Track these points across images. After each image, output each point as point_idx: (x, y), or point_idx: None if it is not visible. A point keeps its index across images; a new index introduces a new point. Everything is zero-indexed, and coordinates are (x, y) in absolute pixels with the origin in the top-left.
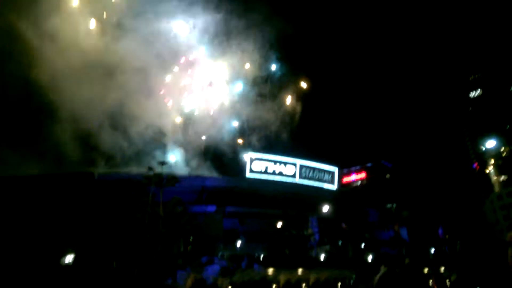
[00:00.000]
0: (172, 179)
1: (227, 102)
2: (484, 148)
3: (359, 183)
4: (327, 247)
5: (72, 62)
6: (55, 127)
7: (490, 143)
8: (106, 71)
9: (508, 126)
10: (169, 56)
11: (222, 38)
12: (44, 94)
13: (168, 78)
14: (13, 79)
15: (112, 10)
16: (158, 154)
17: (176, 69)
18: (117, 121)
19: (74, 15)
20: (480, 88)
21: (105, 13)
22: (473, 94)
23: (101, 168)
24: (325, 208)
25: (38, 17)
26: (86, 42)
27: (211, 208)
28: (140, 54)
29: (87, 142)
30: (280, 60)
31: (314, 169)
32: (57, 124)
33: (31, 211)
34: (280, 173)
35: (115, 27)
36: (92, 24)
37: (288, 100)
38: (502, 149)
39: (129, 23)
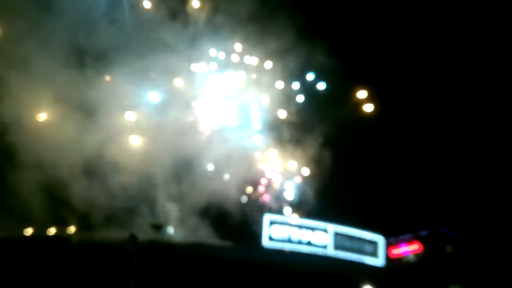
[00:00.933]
0: (165, 248)
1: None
2: None
3: (411, 257)
4: None
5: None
6: (18, 176)
7: None
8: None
9: None
10: None
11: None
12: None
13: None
14: None
15: None
16: (146, 211)
17: None
18: (94, 168)
19: None
20: None
21: None
22: None
23: (77, 232)
24: None
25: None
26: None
27: None
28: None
29: (56, 195)
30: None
31: (352, 237)
32: (21, 172)
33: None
34: (308, 243)
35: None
36: None
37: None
38: None
39: None
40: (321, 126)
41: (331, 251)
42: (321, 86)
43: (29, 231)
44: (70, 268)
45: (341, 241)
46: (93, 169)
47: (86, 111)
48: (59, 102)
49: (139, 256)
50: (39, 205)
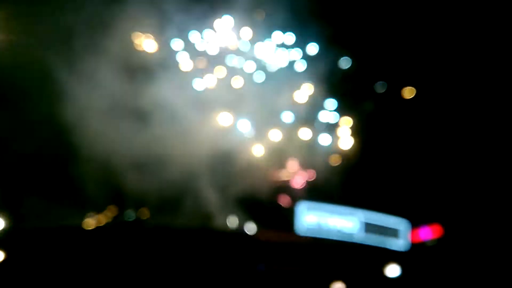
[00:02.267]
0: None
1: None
2: None
3: (432, 241)
4: None
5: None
6: (88, 171)
7: None
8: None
9: None
10: None
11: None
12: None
13: None
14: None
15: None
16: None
17: None
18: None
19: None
20: None
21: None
22: None
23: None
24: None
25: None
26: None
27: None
28: None
29: (118, 186)
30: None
31: (378, 222)
32: (90, 168)
33: (86, 262)
34: (338, 229)
35: None
36: None
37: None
38: None
39: None
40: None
41: (358, 237)
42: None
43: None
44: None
45: (367, 227)
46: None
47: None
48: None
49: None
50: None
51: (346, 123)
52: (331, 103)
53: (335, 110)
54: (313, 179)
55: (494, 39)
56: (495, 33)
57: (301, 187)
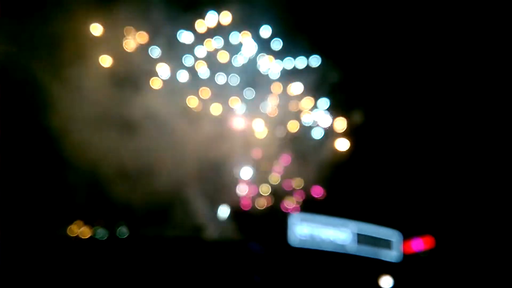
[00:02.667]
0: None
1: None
2: None
3: (424, 252)
4: None
5: None
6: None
7: None
8: None
9: None
10: None
11: None
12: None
13: None
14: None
15: None
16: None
17: None
18: None
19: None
20: None
21: None
22: None
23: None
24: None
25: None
26: None
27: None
28: None
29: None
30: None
31: (371, 234)
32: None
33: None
34: (330, 240)
35: None
36: None
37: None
38: None
39: None
40: None
41: (351, 248)
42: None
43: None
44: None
45: (360, 238)
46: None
47: None
48: None
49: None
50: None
51: (340, 127)
52: (324, 104)
53: (327, 112)
54: (305, 189)
55: (493, 39)
56: (495, 33)
57: (293, 198)
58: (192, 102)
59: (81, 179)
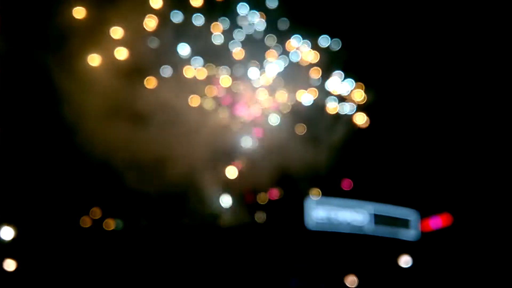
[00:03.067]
0: None
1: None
2: None
3: (441, 230)
4: None
5: None
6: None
7: None
8: None
9: None
10: None
11: None
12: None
13: None
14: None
15: None
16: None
17: None
18: None
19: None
20: None
21: None
22: None
23: None
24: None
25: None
26: None
27: None
28: None
29: None
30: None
31: (388, 214)
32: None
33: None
34: (347, 222)
35: None
36: None
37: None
38: None
39: None
40: None
41: (368, 229)
42: None
43: None
44: None
45: (377, 219)
46: None
47: None
48: None
49: None
50: None
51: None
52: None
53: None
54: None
55: (493, 39)
56: (494, 33)
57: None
58: (209, 91)
59: (95, 170)
